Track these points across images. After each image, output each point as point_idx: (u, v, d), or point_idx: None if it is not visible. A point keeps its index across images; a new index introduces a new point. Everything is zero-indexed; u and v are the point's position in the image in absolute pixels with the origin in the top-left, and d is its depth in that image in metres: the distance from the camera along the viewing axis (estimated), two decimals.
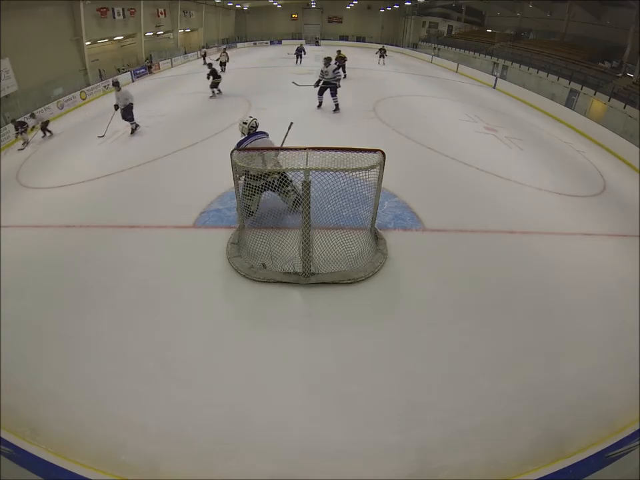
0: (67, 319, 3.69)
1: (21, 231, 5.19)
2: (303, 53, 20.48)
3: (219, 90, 12.30)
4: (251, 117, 5.01)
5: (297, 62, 19.78)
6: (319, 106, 10.39)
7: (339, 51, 14.55)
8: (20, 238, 5.02)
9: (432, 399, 2.98)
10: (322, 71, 9.80)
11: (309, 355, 3.32)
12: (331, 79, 9.73)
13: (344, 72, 14.22)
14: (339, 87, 10.00)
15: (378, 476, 2.53)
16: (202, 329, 3.57)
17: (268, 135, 4.91)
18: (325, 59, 9.91)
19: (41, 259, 4.57)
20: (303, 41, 22.13)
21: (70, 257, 4.59)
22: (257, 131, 4.96)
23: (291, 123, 5.30)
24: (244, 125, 4.92)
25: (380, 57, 20.99)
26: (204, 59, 21.92)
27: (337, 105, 10.21)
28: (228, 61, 17.81)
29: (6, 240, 4.88)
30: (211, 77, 11.98)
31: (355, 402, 2.95)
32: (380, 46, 23.15)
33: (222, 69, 16.89)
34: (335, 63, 11.78)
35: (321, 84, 9.99)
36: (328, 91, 10.00)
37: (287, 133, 5.25)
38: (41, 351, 3.36)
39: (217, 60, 17.65)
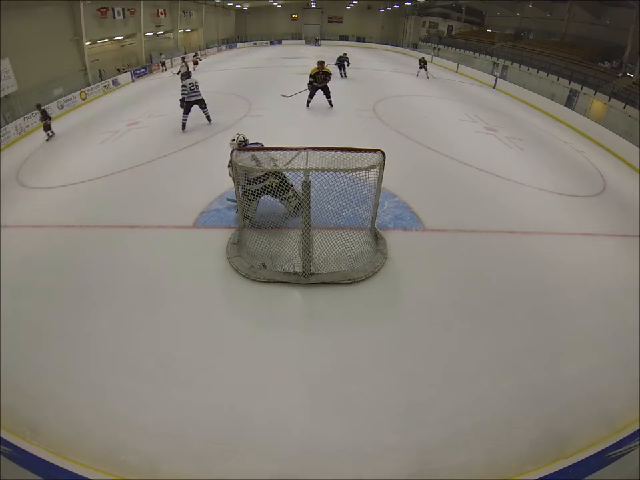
0: (67, 319, 3.68)
1: (21, 231, 5.19)
2: (346, 63, 15.57)
3: (52, 132, 9.81)
4: (238, 134, 5.17)
5: (341, 74, 15.42)
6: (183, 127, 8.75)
7: (321, 62, 9.61)
8: (20, 238, 5.02)
9: (432, 399, 2.98)
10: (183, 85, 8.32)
11: (309, 354, 3.32)
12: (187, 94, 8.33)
13: (328, 96, 10.15)
14: (183, 105, 8.48)
15: (378, 476, 2.53)
16: (202, 329, 3.56)
17: (263, 145, 4.96)
18: (182, 74, 8.54)
19: (41, 258, 4.57)
20: (344, 52, 16.05)
21: (70, 256, 4.59)
22: (251, 142, 5.10)
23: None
24: (232, 142, 5.08)
25: (420, 68, 17.15)
26: (186, 65, 16.10)
27: (184, 124, 8.63)
28: (195, 68, 16.14)
29: (6, 240, 4.88)
30: (41, 118, 9.76)
31: (355, 402, 2.95)
32: (420, 56, 19.37)
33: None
34: (313, 80, 9.38)
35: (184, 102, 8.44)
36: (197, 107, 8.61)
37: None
38: (41, 351, 3.36)
39: (178, 73, 14.49)
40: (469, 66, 20.41)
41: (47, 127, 9.79)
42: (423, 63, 17.19)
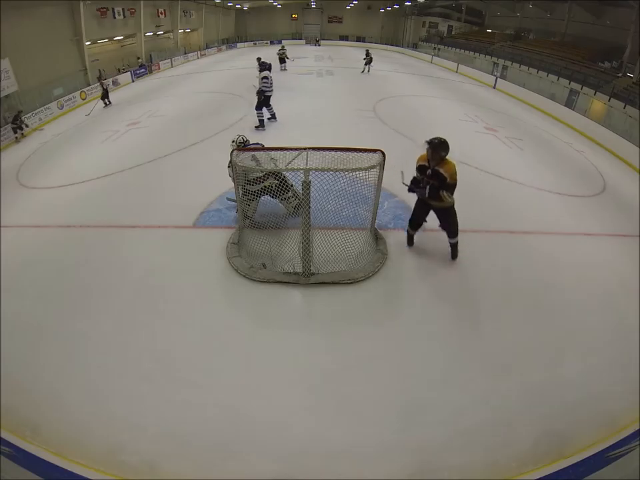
0: (67, 319, 3.68)
1: (21, 231, 5.19)
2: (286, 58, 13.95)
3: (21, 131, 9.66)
4: (238, 135, 5.19)
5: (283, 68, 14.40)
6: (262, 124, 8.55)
7: (437, 144, 3.73)
8: (20, 238, 5.02)
9: (432, 399, 2.98)
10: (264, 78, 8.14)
11: (308, 354, 3.32)
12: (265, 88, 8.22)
13: (448, 228, 4.16)
14: (262, 99, 8.40)
15: (378, 476, 2.53)
16: (202, 329, 3.56)
17: (263, 146, 4.97)
18: (261, 63, 8.19)
19: (41, 258, 4.57)
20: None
21: (70, 256, 4.59)
22: (251, 143, 5.10)
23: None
24: (233, 144, 5.08)
25: (365, 64, 16.40)
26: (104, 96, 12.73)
27: (262, 122, 8.45)
28: (284, 67, 15.17)
29: (6, 240, 4.88)
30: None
31: (355, 402, 2.95)
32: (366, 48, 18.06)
33: (105, 103, 12.66)
34: None
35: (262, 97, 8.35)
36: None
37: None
38: (41, 350, 3.36)
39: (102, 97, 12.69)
40: (469, 66, 20.41)
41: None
42: (368, 57, 15.81)
